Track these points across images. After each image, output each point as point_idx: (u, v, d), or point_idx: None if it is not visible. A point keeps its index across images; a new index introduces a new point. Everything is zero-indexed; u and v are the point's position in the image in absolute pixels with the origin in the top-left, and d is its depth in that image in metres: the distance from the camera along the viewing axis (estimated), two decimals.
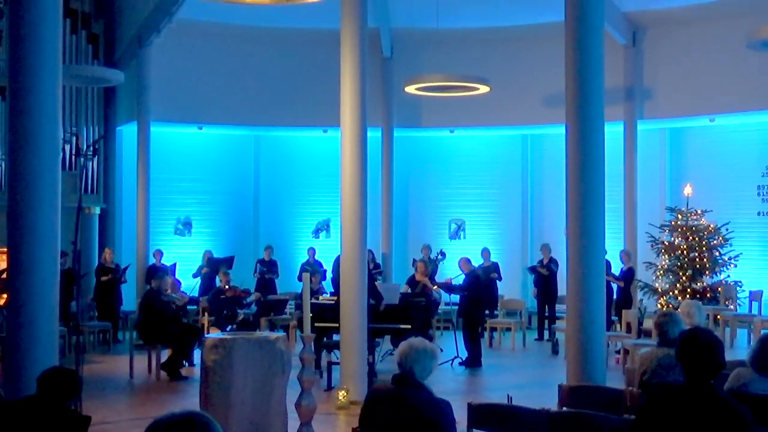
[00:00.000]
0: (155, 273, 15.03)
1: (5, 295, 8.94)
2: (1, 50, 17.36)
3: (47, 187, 7.36)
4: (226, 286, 15.30)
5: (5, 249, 7.73)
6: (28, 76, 7.33)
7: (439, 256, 16.05)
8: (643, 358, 6.62)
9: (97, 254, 18.17)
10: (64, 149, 17.03)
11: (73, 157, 18.06)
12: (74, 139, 18.42)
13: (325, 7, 10.17)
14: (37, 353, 7.18)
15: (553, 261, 16.88)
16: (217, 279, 16.16)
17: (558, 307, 16.31)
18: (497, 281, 17.27)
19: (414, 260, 16.75)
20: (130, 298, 17.17)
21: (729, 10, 16.46)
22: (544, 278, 17.00)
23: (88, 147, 17.64)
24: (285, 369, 7.90)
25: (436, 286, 15.03)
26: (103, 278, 16.76)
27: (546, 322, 16.93)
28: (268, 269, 18.01)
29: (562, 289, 13.75)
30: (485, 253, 17.40)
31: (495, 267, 17.27)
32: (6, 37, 8.48)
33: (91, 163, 18.32)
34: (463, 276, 14.44)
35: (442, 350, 14.21)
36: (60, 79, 7.51)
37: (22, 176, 7.33)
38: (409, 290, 14.74)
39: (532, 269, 17.48)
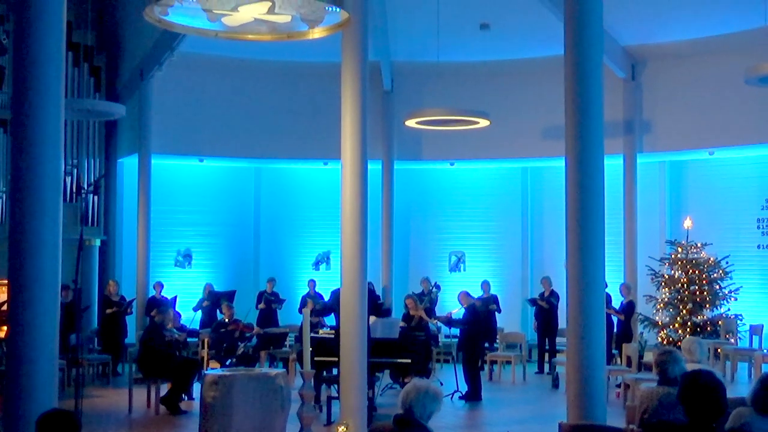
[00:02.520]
0: (155, 305, 14.98)
1: (5, 328, 8.91)
2: (4, 85, 17.51)
3: (48, 219, 7.34)
4: (227, 320, 15.24)
5: (6, 281, 7.72)
6: (30, 109, 7.35)
7: (434, 289, 16.00)
8: (644, 396, 6.58)
9: (96, 286, 18.14)
10: (65, 181, 17.04)
11: (74, 195, 18.09)
12: (75, 171, 18.45)
13: (326, 41, 10.16)
14: (36, 386, 7.14)
15: (553, 294, 16.84)
16: (218, 312, 16.09)
17: (558, 340, 16.26)
18: (496, 313, 17.24)
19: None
20: (130, 331, 17.11)
21: (727, 46, 16.58)
22: (544, 311, 16.96)
23: (89, 185, 17.68)
24: (284, 405, 7.89)
25: (435, 320, 14.98)
26: (108, 311, 16.72)
27: (546, 355, 16.88)
28: (274, 299, 17.99)
29: (562, 322, 13.72)
30: (485, 285, 17.43)
31: (494, 299, 17.27)
32: (9, 71, 8.51)
33: (92, 196, 18.34)
34: (463, 310, 14.42)
35: (442, 383, 14.18)
36: (62, 112, 7.53)
37: (23, 209, 7.32)
38: (405, 326, 14.67)
39: (533, 301, 17.44)
